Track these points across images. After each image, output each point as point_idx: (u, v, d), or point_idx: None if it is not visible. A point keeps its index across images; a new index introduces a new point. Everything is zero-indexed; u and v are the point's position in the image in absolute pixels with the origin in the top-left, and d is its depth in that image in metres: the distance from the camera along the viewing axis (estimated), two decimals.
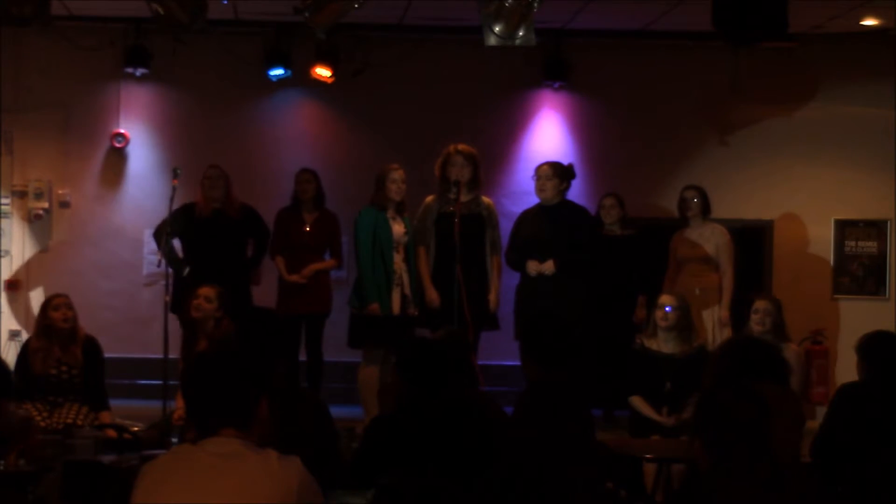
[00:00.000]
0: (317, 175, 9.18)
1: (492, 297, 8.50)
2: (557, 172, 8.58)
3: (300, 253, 9.01)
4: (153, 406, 8.34)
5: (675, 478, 6.40)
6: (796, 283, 10.74)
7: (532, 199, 8.89)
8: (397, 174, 8.48)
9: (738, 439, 3.51)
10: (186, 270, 8.68)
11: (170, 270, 8.70)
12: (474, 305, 8.32)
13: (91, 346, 7.53)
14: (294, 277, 8.92)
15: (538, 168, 8.69)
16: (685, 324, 7.60)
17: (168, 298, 8.49)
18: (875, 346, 5.75)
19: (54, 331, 7.42)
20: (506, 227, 8.79)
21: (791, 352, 7.29)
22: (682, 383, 7.33)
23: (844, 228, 10.92)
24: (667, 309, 7.56)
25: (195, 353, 5.36)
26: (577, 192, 9.03)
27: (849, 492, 5.24)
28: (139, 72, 10.55)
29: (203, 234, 8.80)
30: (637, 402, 7.46)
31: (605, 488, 5.69)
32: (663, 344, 7.55)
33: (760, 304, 7.68)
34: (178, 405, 7.33)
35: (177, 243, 8.97)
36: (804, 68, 10.90)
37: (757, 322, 7.61)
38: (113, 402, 7.66)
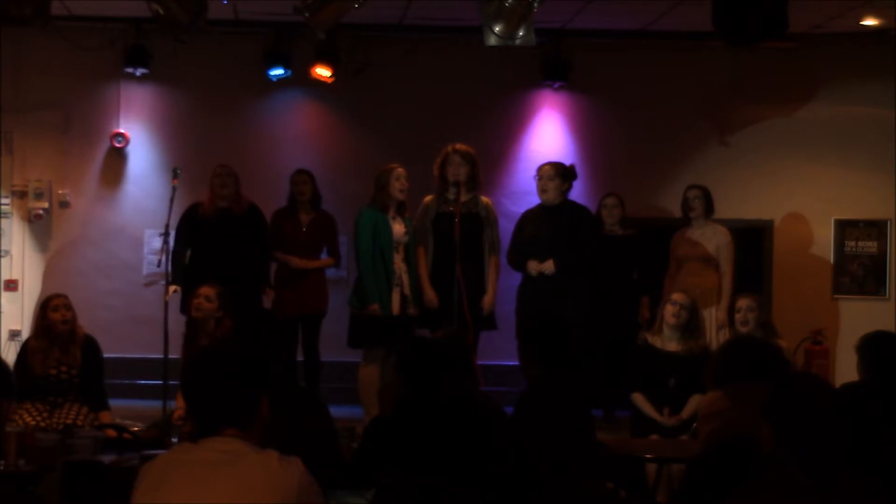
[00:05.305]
0: (313, 176, 9.15)
1: (487, 297, 8.49)
2: (559, 173, 8.58)
3: (296, 254, 9.00)
4: (153, 406, 8.34)
5: (676, 478, 6.40)
6: (796, 283, 10.75)
7: (532, 199, 8.89)
8: (400, 173, 8.47)
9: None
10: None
11: (169, 269, 8.69)
12: (473, 305, 8.33)
13: (90, 346, 7.49)
14: (299, 262, 8.89)
15: (540, 168, 8.68)
16: (693, 324, 7.62)
17: (167, 298, 8.49)
18: (875, 346, 5.74)
19: (53, 331, 7.38)
20: (506, 227, 8.78)
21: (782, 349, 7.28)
22: (684, 382, 7.33)
23: (844, 228, 10.92)
24: (673, 304, 7.56)
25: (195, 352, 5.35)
26: (577, 192, 9.02)
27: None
28: (139, 72, 10.55)
29: (211, 234, 8.69)
30: (638, 399, 7.46)
31: (605, 488, 5.69)
32: (668, 342, 7.54)
33: (742, 303, 7.67)
34: (178, 405, 7.32)
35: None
36: (804, 68, 10.90)
37: (741, 321, 7.59)
38: (113, 402, 7.65)
